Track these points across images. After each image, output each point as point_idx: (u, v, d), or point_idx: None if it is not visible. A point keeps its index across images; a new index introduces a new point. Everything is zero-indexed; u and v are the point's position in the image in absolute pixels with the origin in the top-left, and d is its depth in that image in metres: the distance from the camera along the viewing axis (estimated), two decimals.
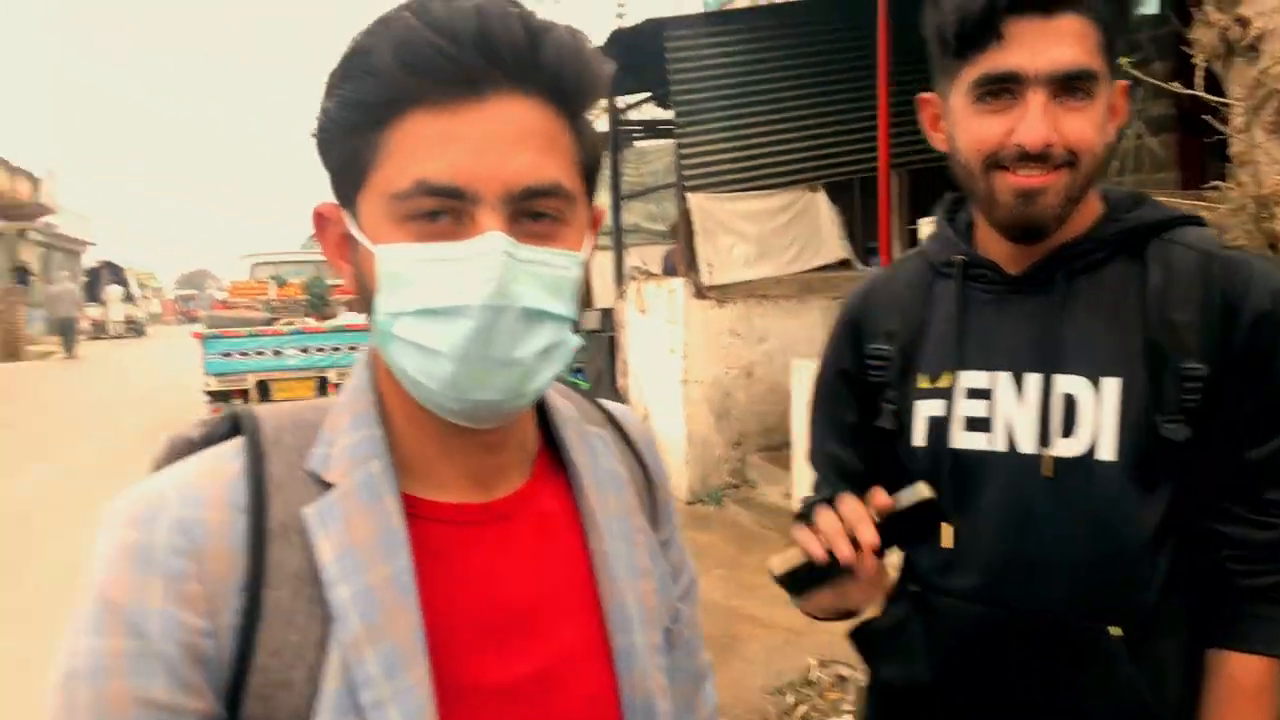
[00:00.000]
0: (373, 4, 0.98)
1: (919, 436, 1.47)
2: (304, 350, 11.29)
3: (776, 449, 7.93)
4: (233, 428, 0.95)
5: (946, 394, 1.44)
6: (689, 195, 8.15)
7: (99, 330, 36.30)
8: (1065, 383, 1.36)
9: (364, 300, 0.91)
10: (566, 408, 1.07)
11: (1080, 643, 1.36)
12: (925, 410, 1.46)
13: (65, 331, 27.33)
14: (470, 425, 0.91)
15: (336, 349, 11.22)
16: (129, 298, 39.65)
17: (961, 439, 1.42)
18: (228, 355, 11.11)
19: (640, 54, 8.43)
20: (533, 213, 0.88)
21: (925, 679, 1.47)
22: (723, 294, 8.09)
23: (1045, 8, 1.27)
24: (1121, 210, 1.43)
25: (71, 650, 0.83)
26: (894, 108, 6.42)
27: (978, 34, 1.31)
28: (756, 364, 8.11)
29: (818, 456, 1.66)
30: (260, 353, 11.24)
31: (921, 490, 1.20)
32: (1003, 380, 1.40)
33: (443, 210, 0.86)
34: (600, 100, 0.95)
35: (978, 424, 1.41)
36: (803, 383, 6.69)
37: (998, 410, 1.40)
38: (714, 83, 8.13)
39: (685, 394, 8.02)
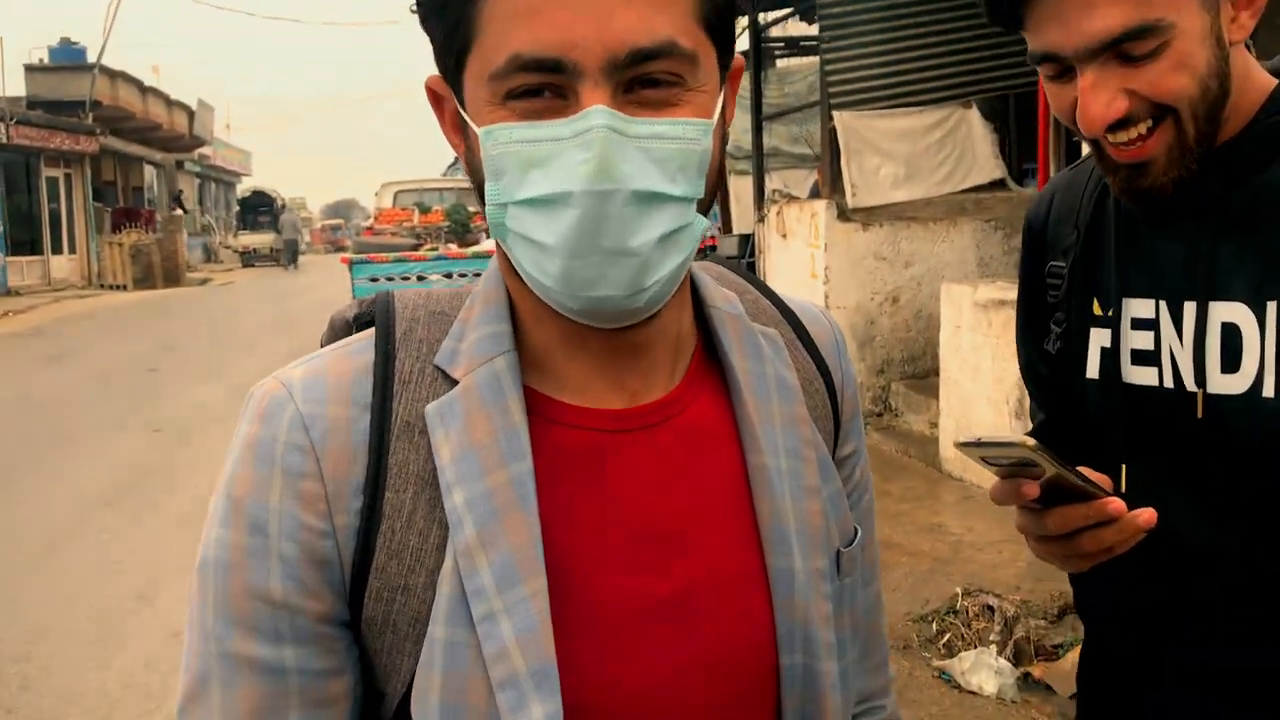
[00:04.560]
0: None
1: (1093, 368, 1.31)
2: (447, 275, 11.50)
3: (922, 377, 7.74)
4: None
5: (1113, 323, 1.29)
6: (835, 113, 7.91)
7: (250, 257, 37.90)
8: (1223, 310, 1.19)
9: (476, 185, 0.83)
10: (729, 302, 0.96)
11: (1251, 590, 1.19)
12: (1097, 340, 1.31)
13: (290, 250, 36.60)
14: (595, 325, 0.83)
15: (479, 274, 11.38)
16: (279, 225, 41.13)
17: (1132, 373, 1.27)
18: (374, 280, 11.41)
19: None
20: (646, 79, 0.77)
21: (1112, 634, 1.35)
22: (868, 216, 7.87)
23: None
24: None
25: (205, 540, 0.83)
26: None
27: (1001, 16, 1.16)
28: (903, 289, 7.88)
29: (1024, 372, 1.51)
30: (405, 278, 11.50)
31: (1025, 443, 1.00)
32: (1163, 310, 1.25)
33: (544, 85, 0.77)
34: None
35: (1146, 357, 1.26)
36: (952, 309, 6.49)
37: (1163, 343, 1.24)
38: None
39: None
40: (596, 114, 0.75)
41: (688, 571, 0.86)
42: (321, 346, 0.94)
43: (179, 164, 37.27)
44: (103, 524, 6.39)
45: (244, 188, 47.34)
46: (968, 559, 5.12)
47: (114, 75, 27.71)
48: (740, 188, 12.14)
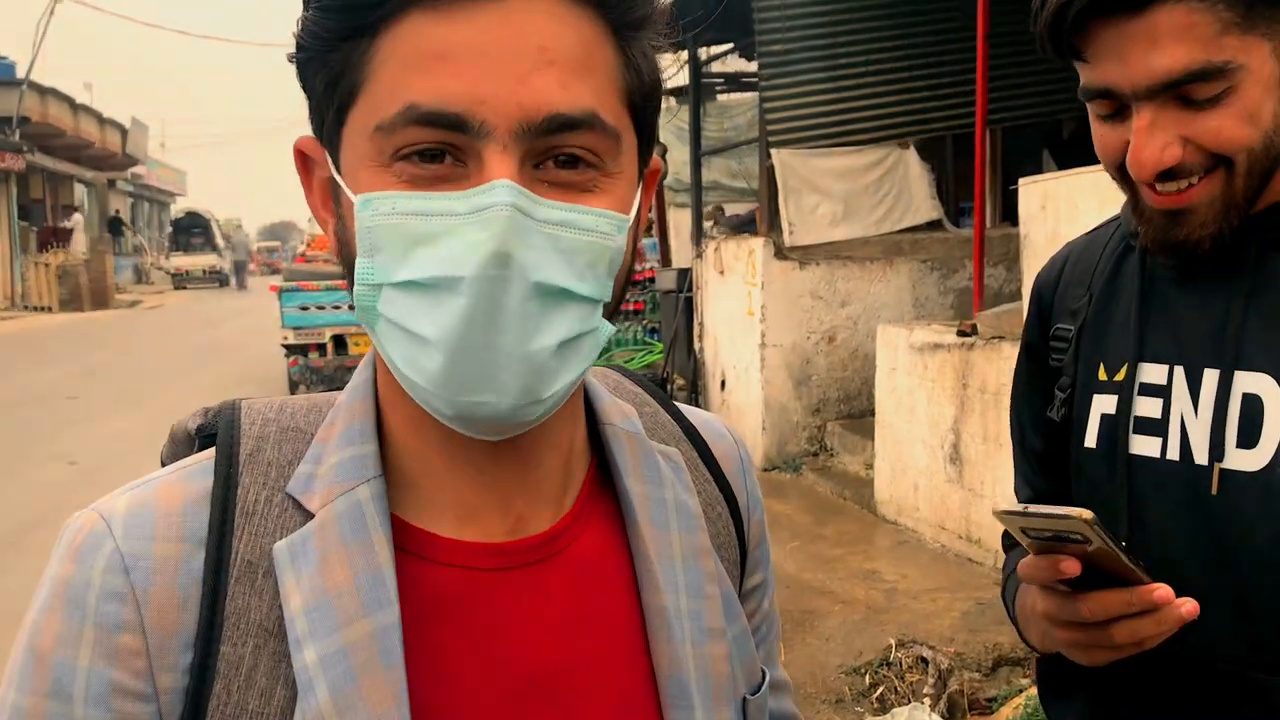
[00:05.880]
0: None
1: (1091, 436, 1.24)
2: None
3: (858, 417, 7.71)
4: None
5: (1120, 388, 1.21)
6: (773, 151, 7.89)
7: (182, 279, 37.49)
8: (1247, 381, 1.11)
9: (346, 265, 0.72)
10: (626, 418, 0.85)
11: (1246, 694, 1.11)
12: (1100, 406, 1.23)
13: (239, 271, 38.95)
14: (472, 435, 0.72)
15: None
16: (213, 247, 40.64)
17: (1134, 443, 1.19)
18: (304, 309, 11.19)
19: (725, 3, 8.15)
20: (561, 155, 0.68)
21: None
22: (805, 255, 7.84)
23: (1131, 4, 1.02)
24: None
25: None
26: (993, 59, 6.08)
27: (1059, 47, 1.08)
28: (839, 328, 7.85)
29: (1014, 436, 1.44)
30: (336, 307, 11.29)
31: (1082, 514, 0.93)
32: (1179, 376, 1.17)
33: (441, 146, 0.66)
34: (655, 13, 0.73)
35: (1152, 426, 1.18)
36: (888, 349, 6.45)
37: (1173, 412, 1.16)
38: (802, 33, 7.82)
39: (764, 358, 7.81)
40: (500, 189, 0.64)
41: None
42: (162, 459, 0.83)
43: (111, 183, 36.52)
44: (5, 566, 6.09)
45: (178, 208, 46.64)
46: (902, 608, 5.05)
47: (44, 91, 27.07)
48: (680, 220, 12.10)
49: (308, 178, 0.77)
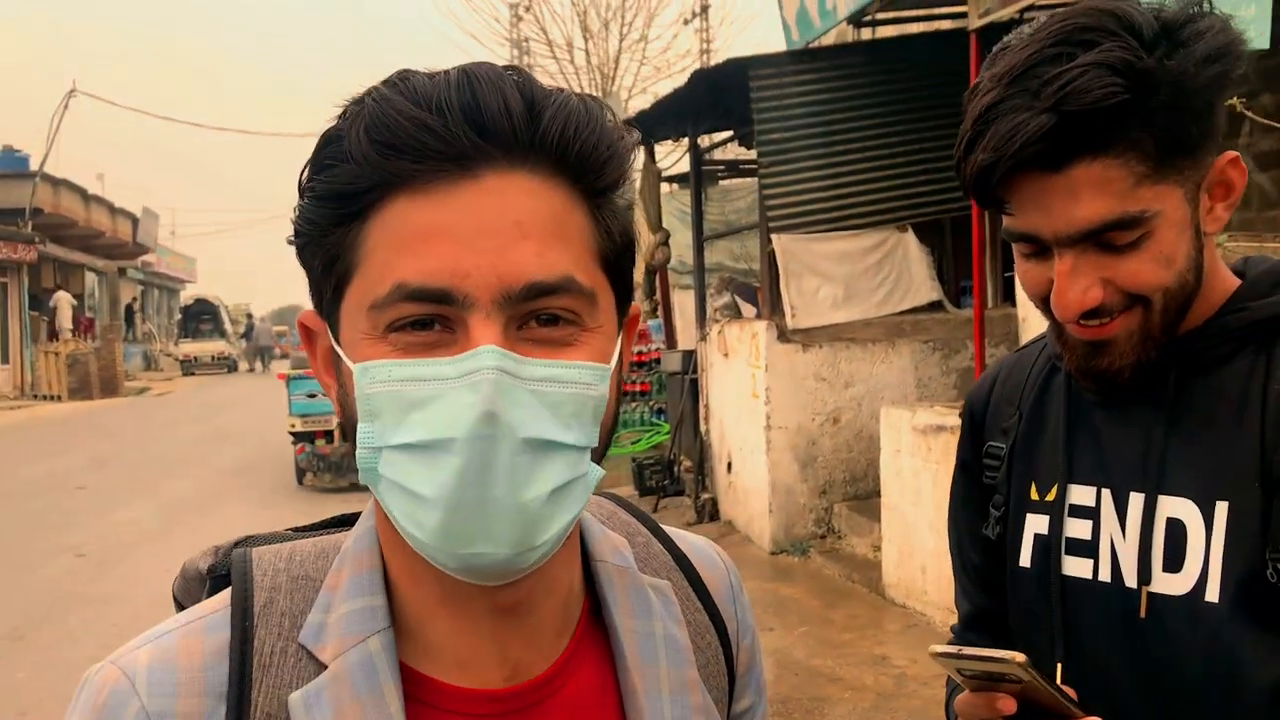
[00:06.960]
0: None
1: (1025, 555, 1.27)
2: None
3: (864, 498, 7.70)
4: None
5: (1051, 509, 1.25)
6: (773, 236, 8.01)
7: (191, 365, 37.74)
8: (1171, 506, 1.15)
9: (349, 428, 0.77)
10: (617, 553, 0.89)
11: None
12: (1033, 526, 1.27)
13: (263, 356, 41.35)
14: (475, 582, 0.76)
15: None
16: (222, 333, 40.99)
17: (1067, 564, 1.23)
18: (312, 396, 11.24)
19: (723, 93, 8.35)
20: (542, 316, 0.74)
21: None
22: (808, 337, 7.91)
23: (1051, 163, 1.07)
24: (1257, 292, 1.18)
25: None
26: None
27: (984, 199, 1.14)
28: (843, 409, 7.89)
29: (952, 550, 1.47)
30: None
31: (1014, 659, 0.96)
32: (1106, 498, 1.21)
33: (431, 318, 0.72)
34: (624, 177, 0.80)
35: (1083, 548, 1.22)
36: (892, 431, 6.48)
37: (1103, 533, 1.20)
38: (799, 121, 8.00)
39: (769, 440, 7.83)
40: (486, 354, 0.70)
41: None
42: (174, 593, 0.88)
43: (121, 271, 36.94)
44: (12, 661, 6.08)
45: (187, 294, 47.11)
46: (912, 694, 5.00)
47: (57, 183, 27.53)
48: (685, 302, 12.23)
49: (311, 348, 0.83)
